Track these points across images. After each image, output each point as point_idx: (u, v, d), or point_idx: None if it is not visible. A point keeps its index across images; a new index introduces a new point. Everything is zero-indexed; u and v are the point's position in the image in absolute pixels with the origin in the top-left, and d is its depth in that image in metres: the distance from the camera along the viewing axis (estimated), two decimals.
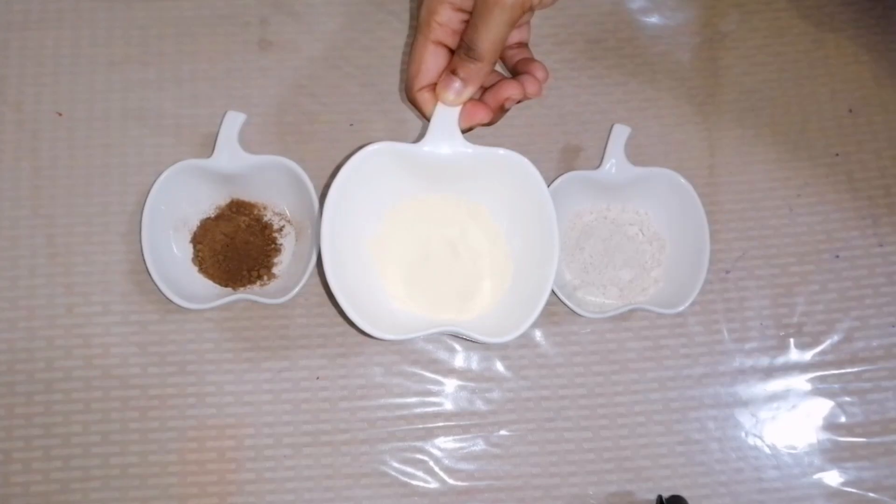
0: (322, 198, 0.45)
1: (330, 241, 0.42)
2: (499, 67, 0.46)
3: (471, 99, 0.43)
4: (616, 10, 0.60)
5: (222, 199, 0.55)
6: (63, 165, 0.54)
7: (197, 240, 0.54)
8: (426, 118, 0.43)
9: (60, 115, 0.55)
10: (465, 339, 0.53)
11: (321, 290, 0.54)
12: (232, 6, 0.58)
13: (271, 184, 0.54)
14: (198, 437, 0.51)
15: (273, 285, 0.53)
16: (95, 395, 0.51)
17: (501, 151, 0.44)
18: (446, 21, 0.41)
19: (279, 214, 0.55)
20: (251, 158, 0.53)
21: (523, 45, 0.46)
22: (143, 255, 0.51)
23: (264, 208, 0.55)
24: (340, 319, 0.53)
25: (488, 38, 0.39)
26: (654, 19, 0.60)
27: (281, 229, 0.54)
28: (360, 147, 0.44)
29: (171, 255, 0.53)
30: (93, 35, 0.57)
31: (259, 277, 0.53)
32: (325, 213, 0.42)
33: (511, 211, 0.46)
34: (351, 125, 0.56)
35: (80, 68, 0.56)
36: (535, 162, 0.55)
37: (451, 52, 0.42)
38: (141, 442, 0.51)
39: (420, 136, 0.45)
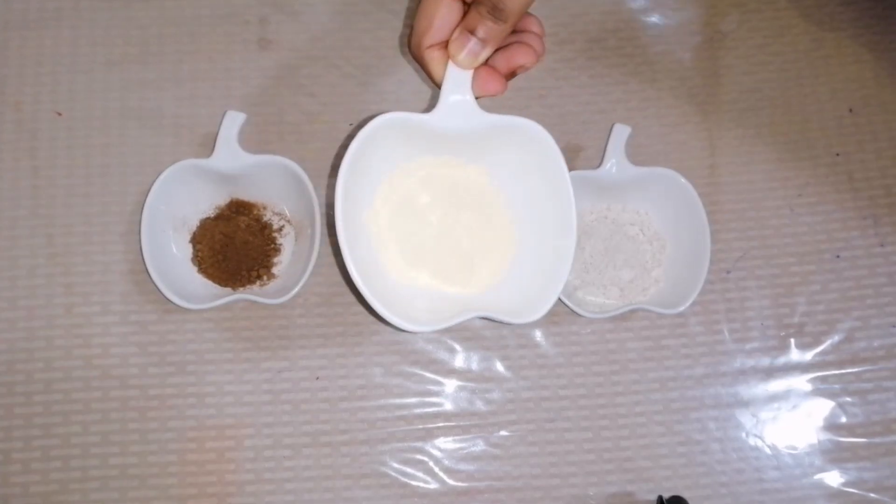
0: (331, 179, 0.49)
1: (343, 214, 0.39)
2: None
3: (485, 63, 0.38)
4: (616, 9, 0.60)
5: (222, 199, 0.54)
6: (62, 165, 0.54)
7: (196, 240, 0.53)
8: (433, 79, 0.40)
9: (60, 114, 0.55)
10: (462, 333, 0.53)
11: (321, 289, 0.53)
12: (231, 6, 0.58)
13: (271, 184, 0.54)
14: (197, 437, 0.51)
15: (272, 285, 0.53)
16: (95, 395, 0.51)
17: (518, 120, 0.41)
18: None
19: (279, 214, 0.55)
20: (251, 158, 0.53)
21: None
22: (142, 255, 0.51)
23: (264, 208, 0.55)
24: (340, 319, 0.53)
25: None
26: (654, 19, 0.60)
27: (280, 229, 0.54)
28: (371, 117, 0.41)
29: (170, 255, 0.52)
30: (92, 34, 0.57)
31: (259, 277, 0.53)
32: (338, 187, 0.39)
33: (524, 181, 0.43)
34: (351, 125, 0.56)
35: (79, 68, 0.56)
36: None
37: (466, 5, 0.38)
38: (140, 442, 0.51)
39: (430, 106, 0.42)
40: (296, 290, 0.50)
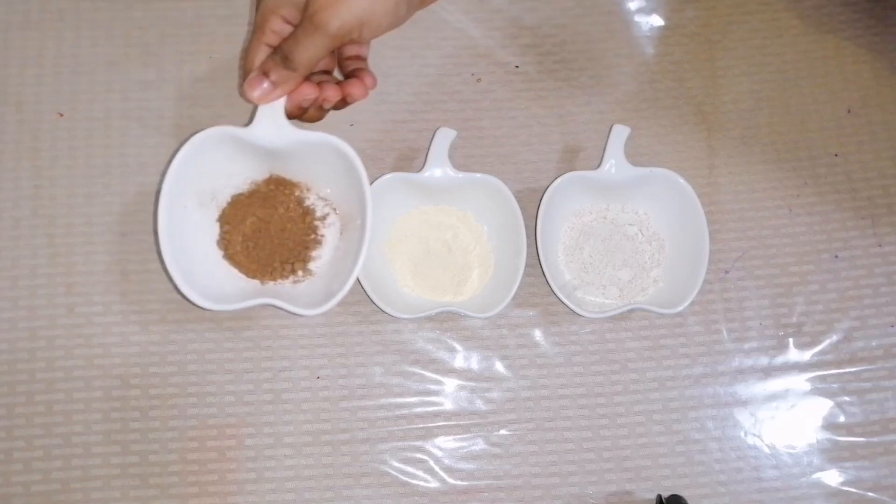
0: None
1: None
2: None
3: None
4: (615, 10, 0.60)
5: (259, 174, 0.46)
6: (64, 165, 0.54)
7: (225, 220, 0.46)
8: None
9: (61, 115, 0.55)
10: (462, 333, 0.53)
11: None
12: (233, 7, 0.58)
13: (318, 165, 0.46)
14: (198, 436, 0.51)
15: (307, 284, 0.46)
16: (96, 394, 0.51)
17: (479, 176, 0.54)
18: (278, 29, 0.43)
19: (323, 200, 0.47)
20: (297, 134, 0.44)
21: (361, 58, 0.48)
22: (155, 233, 0.43)
23: (307, 190, 0.47)
24: (341, 319, 0.53)
25: (305, 55, 0.41)
26: (653, 19, 0.60)
27: (324, 218, 0.47)
28: (376, 178, 0.52)
29: (190, 237, 0.44)
30: (93, 35, 0.57)
31: (293, 272, 0.46)
32: (366, 228, 0.49)
33: (491, 217, 0.55)
34: (351, 125, 0.57)
35: (80, 68, 0.56)
36: (534, 162, 0.57)
37: None
38: (141, 441, 0.51)
39: (423, 166, 0.53)
40: (339, 296, 0.42)
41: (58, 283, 0.53)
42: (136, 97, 0.56)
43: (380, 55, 0.58)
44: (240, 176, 0.47)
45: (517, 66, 0.58)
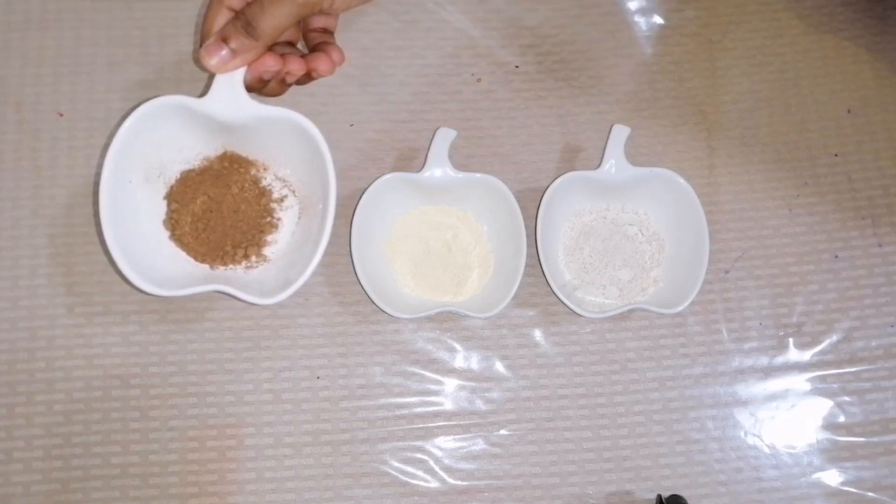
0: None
1: (357, 245, 0.51)
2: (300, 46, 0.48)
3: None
4: (615, 10, 0.60)
5: (212, 150, 0.43)
6: (63, 165, 0.54)
7: (174, 197, 0.43)
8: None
9: (61, 115, 0.55)
10: (462, 333, 0.53)
11: (322, 289, 0.54)
12: None
13: (277, 142, 0.43)
14: (198, 436, 0.51)
15: (260, 271, 0.44)
16: (96, 394, 0.51)
17: (479, 176, 0.54)
18: None
19: (281, 180, 0.45)
20: (257, 109, 0.41)
21: (328, 31, 0.46)
22: (96, 211, 0.40)
23: (264, 169, 0.44)
24: (341, 319, 0.53)
25: (271, 23, 0.39)
26: (652, 19, 0.60)
27: (282, 200, 0.45)
28: (376, 178, 0.53)
29: (135, 214, 0.41)
30: (93, 35, 0.57)
31: (245, 257, 0.44)
32: (353, 232, 0.51)
33: (491, 217, 0.55)
34: (351, 125, 0.57)
35: (80, 69, 0.56)
36: (534, 162, 0.57)
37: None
38: (142, 441, 0.51)
39: (423, 166, 0.54)
40: (296, 285, 0.40)
41: (58, 283, 0.53)
42: (136, 97, 0.56)
43: (380, 55, 0.58)
44: (191, 150, 0.43)
45: (517, 66, 0.58)
